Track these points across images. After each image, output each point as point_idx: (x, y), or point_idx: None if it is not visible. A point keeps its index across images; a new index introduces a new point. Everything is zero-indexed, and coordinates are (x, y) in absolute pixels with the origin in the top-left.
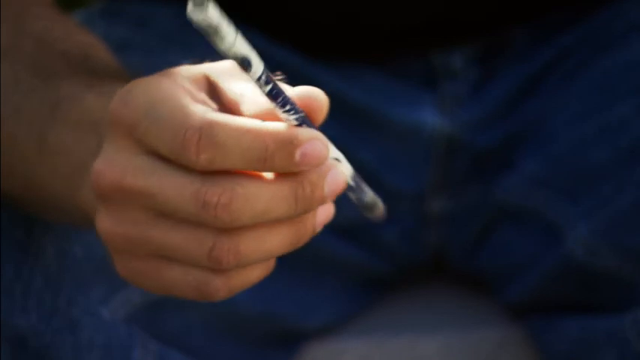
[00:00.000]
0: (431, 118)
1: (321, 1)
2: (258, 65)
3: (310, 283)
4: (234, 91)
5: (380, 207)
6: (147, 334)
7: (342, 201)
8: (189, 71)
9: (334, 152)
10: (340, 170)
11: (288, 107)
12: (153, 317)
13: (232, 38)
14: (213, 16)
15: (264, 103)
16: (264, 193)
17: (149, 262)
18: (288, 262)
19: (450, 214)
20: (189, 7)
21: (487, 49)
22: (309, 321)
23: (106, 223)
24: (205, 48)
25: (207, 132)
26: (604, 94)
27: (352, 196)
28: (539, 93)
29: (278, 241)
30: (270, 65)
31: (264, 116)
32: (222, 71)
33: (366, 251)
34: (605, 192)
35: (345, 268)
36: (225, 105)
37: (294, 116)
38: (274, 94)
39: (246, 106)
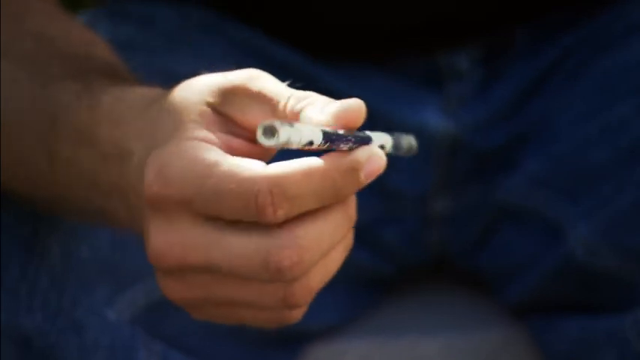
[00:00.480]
0: (435, 118)
1: (324, 1)
2: (318, 137)
3: None
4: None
5: (414, 146)
6: (150, 335)
7: None
8: (200, 115)
9: (377, 140)
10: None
11: (343, 145)
12: (156, 318)
13: (298, 139)
14: (283, 137)
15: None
16: (325, 232)
17: (221, 309)
18: None
19: (451, 214)
20: (259, 135)
21: (491, 50)
22: (310, 322)
23: (174, 291)
24: (208, 48)
25: (277, 190)
26: (605, 95)
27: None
28: (542, 94)
29: (339, 260)
30: (273, 65)
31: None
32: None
33: (367, 252)
34: (606, 192)
35: (347, 269)
36: (240, 122)
37: (348, 145)
38: (334, 143)
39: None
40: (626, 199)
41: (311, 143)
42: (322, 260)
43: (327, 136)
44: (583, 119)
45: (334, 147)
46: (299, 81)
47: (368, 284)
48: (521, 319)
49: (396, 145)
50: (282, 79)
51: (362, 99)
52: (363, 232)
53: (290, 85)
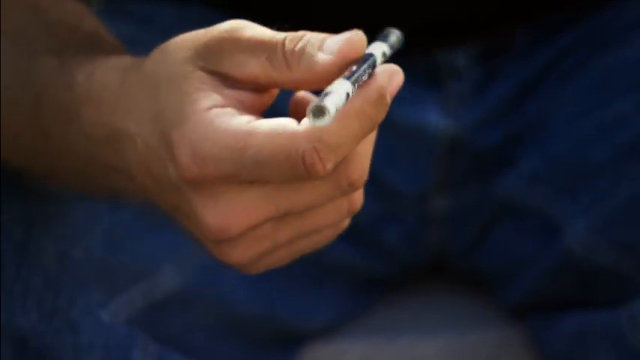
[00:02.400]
0: (434, 117)
1: (322, 1)
2: (349, 87)
3: (311, 284)
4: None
5: (400, 36)
6: (147, 336)
7: None
8: (201, 82)
9: (379, 55)
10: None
11: (364, 78)
12: (153, 319)
13: (340, 100)
14: (332, 109)
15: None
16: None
17: (280, 252)
18: (289, 264)
19: (450, 213)
20: (311, 119)
21: (489, 49)
22: (309, 322)
23: (236, 254)
24: None
25: (321, 146)
26: (603, 92)
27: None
28: (541, 92)
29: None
30: None
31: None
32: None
33: (366, 252)
34: (603, 188)
35: (346, 268)
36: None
37: (366, 75)
38: (358, 81)
39: None
40: (623, 194)
41: (348, 95)
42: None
43: (354, 81)
44: (581, 117)
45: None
46: None
47: (367, 284)
48: (520, 318)
49: (390, 46)
50: None
51: None
52: (361, 232)
53: (278, 30)
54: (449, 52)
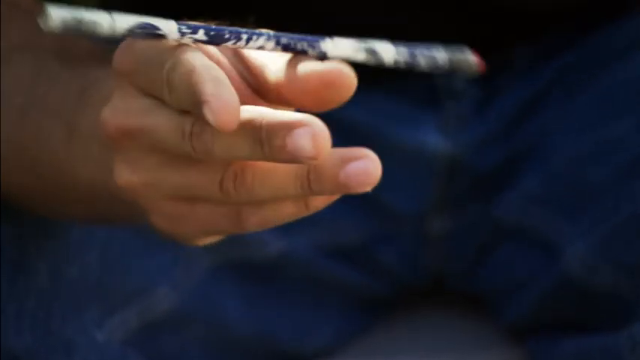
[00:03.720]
0: (433, 138)
1: (322, 24)
2: (167, 24)
3: (308, 304)
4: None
5: (469, 60)
6: (142, 356)
7: (341, 223)
8: None
9: (359, 46)
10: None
11: (246, 36)
12: (149, 339)
13: (108, 19)
14: (59, 17)
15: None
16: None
17: (178, 204)
18: (286, 283)
19: (449, 234)
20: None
21: (489, 69)
22: (307, 343)
23: (123, 174)
24: None
25: (170, 74)
26: (603, 112)
27: (422, 63)
28: (540, 112)
29: (286, 180)
30: None
31: None
32: None
33: (364, 273)
34: (603, 209)
35: (344, 289)
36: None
37: (263, 37)
38: (217, 35)
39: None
40: (623, 215)
41: (151, 30)
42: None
43: (189, 25)
44: (581, 137)
45: (229, 42)
46: None
47: (364, 305)
48: (520, 340)
49: (410, 55)
50: None
51: (359, 119)
52: (360, 252)
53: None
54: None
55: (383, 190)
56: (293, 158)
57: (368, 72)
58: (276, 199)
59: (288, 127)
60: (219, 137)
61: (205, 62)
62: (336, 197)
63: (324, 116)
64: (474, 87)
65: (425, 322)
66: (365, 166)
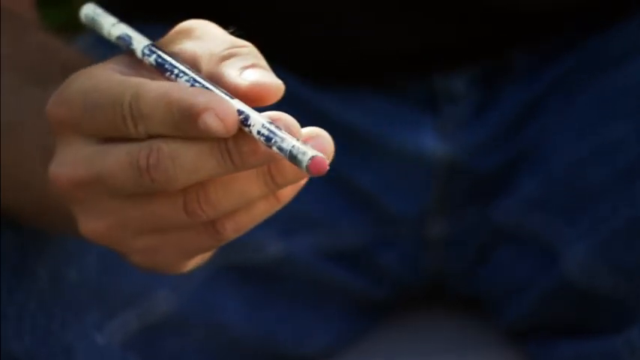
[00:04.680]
0: (432, 141)
1: (320, 26)
2: (139, 42)
3: (308, 307)
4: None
5: (307, 158)
6: (143, 358)
7: (341, 225)
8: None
9: (241, 107)
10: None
11: (177, 72)
12: (148, 342)
13: (109, 25)
14: (85, 11)
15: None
16: (189, 149)
17: (150, 239)
18: (286, 286)
19: (448, 237)
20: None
21: (488, 73)
22: (307, 346)
23: (87, 224)
24: None
25: (135, 105)
26: (602, 115)
27: (274, 147)
28: (539, 116)
29: (248, 183)
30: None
31: None
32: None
33: (364, 276)
34: (602, 213)
35: (344, 293)
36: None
37: (185, 78)
38: (160, 64)
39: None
40: (622, 218)
41: (126, 41)
42: (222, 185)
43: (151, 48)
44: (580, 140)
45: (168, 73)
46: (295, 105)
47: (363, 307)
48: (518, 343)
49: (271, 133)
50: (279, 103)
51: (358, 122)
52: (359, 256)
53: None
54: (447, 76)
55: (381, 193)
56: (268, 162)
57: (367, 75)
58: (245, 203)
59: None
60: (182, 160)
61: (170, 84)
62: (302, 183)
63: (324, 120)
64: (473, 91)
65: (424, 325)
66: (321, 145)
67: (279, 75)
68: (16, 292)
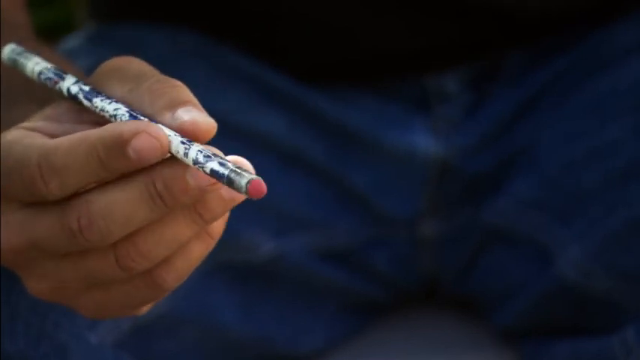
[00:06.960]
0: (424, 141)
1: (313, 26)
2: (65, 81)
3: (302, 307)
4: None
5: (245, 181)
6: (136, 358)
7: (334, 226)
8: (56, 105)
9: (172, 133)
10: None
11: (96, 102)
12: (142, 342)
13: (32, 66)
14: (5, 52)
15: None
16: (118, 200)
17: (94, 294)
18: (279, 286)
19: (441, 237)
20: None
21: (480, 73)
22: (301, 345)
23: (32, 287)
24: (197, 72)
25: (44, 163)
26: (595, 116)
27: (208, 170)
28: (532, 117)
29: (177, 226)
30: (263, 89)
31: None
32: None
33: (357, 276)
34: (597, 213)
35: (338, 293)
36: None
37: (112, 106)
38: (87, 98)
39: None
40: (618, 219)
41: (57, 78)
42: (146, 227)
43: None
44: (573, 141)
45: (89, 104)
46: (287, 104)
47: (358, 308)
48: (513, 343)
49: (206, 160)
50: (271, 102)
51: (351, 121)
52: (352, 256)
53: None
54: (440, 76)
55: (374, 193)
56: (199, 197)
57: (360, 75)
58: (178, 248)
59: (182, 170)
60: (114, 215)
61: (82, 132)
62: (229, 210)
63: (317, 120)
64: (466, 91)
65: (418, 325)
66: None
67: (273, 77)
68: (11, 294)
